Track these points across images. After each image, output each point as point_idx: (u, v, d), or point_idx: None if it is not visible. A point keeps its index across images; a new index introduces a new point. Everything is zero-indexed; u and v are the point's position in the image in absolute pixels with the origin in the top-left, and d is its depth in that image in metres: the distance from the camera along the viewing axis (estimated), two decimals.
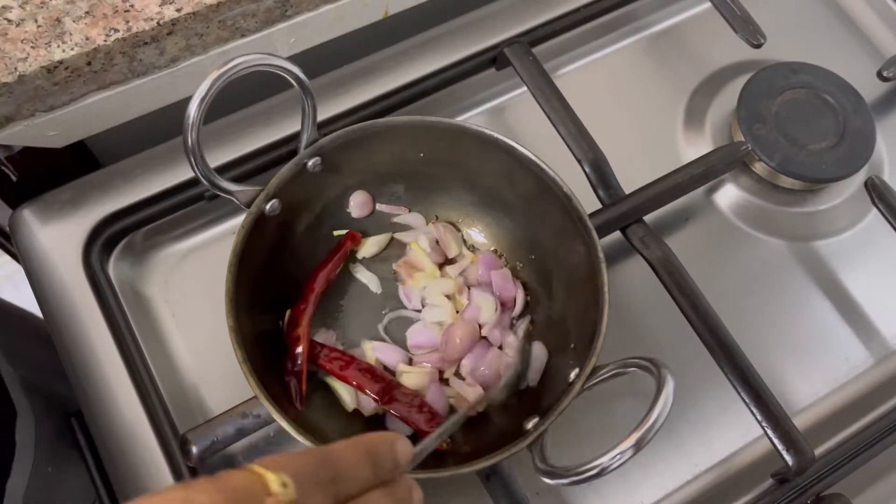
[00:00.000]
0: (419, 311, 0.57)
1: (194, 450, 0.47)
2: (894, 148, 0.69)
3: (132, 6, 0.52)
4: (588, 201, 0.55)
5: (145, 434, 0.51)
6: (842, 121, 0.65)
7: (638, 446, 0.40)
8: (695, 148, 0.67)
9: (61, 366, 0.54)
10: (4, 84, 0.50)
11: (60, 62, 0.51)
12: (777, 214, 0.65)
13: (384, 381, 0.52)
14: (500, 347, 0.55)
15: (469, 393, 0.54)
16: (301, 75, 0.48)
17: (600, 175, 0.59)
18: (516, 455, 0.45)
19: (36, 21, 0.51)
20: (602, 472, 0.41)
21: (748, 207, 0.65)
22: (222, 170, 0.57)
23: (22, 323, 0.73)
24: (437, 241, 0.59)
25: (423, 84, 0.64)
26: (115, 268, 0.58)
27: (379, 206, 0.60)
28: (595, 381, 0.47)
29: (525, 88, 0.63)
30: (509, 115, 0.68)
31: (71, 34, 0.51)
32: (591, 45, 0.71)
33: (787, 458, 0.51)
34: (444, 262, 0.59)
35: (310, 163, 0.54)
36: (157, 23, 0.52)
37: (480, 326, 0.56)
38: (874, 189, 0.62)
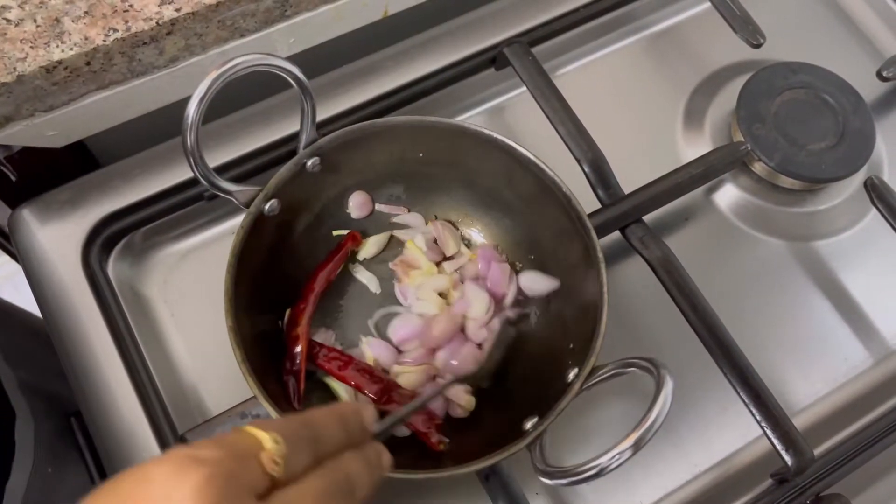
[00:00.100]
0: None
1: None
2: (894, 148, 0.69)
3: (131, 6, 0.52)
4: (587, 201, 0.55)
5: (144, 434, 0.51)
6: (841, 121, 0.65)
7: (637, 446, 0.40)
8: (694, 148, 0.67)
9: (60, 366, 0.54)
10: (3, 84, 0.50)
11: (59, 62, 0.51)
12: (776, 214, 0.65)
13: (382, 382, 0.52)
14: (480, 346, 0.55)
15: (461, 394, 0.54)
16: (300, 75, 0.48)
17: (600, 175, 0.59)
18: (515, 455, 0.45)
19: (35, 21, 0.51)
20: (601, 473, 0.41)
21: (748, 207, 0.65)
22: (221, 170, 0.57)
23: (21, 323, 0.73)
24: (436, 240, 0.59)
25: (422, 84, 0.64)
26: (114, 268, 0.58)
27: (378, 207, 0.60)
28: (594, 381, 0.47)
29: (524, 88, 0.63)
30: (509, 115, 0.67)
31: (70, 34, 0.51)
32: (591, 45, 0.71)
33: (787, 458, 0.51)
34: (443, 260, 0.59)
35: (309, 163, 0.54)
36: (157, 23, 0.52)
37: (467, 322, 0.56)
38: (874, 189, 0.62)
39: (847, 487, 0.53)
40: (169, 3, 0.53)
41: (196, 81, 0.45)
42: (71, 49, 0.51)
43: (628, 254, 0.59)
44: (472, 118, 0.67)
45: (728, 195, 0.66)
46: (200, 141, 0.46)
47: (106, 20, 0.52)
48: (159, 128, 0.58)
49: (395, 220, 0.60)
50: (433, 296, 0.57)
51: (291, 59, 0.50)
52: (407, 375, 0.54)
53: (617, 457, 0.40)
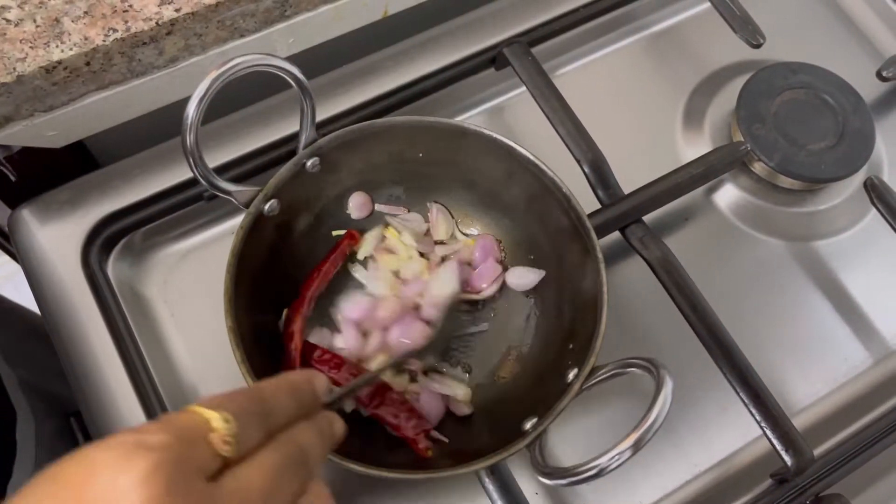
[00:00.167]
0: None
1: None
2: (893, 148, 0.69)
3: (131, 6, 0.52)
4: (587, 201, 0.55)
5: None
6: (841, 121, 0.65)
7: (636, 447, 0.40)
8: (694, 148, 0.67)
9: (60, 366, 0.54)
10: (3, 84, 0.50)
11: (59, 62, 0.51)
12: (776, 214, 0.65)
13: (374, 385, 0.52)
14: (429, 323, 0.55)
15: (457, 389, 0.54)
16: (300, 75, 0.48)
17: (599, 175, 0.59)
18: (515, 455, 0.46)
19: (34, 21, 0.51)
20: (601, 473, 0.41)
21: (747, 207, 0.65)
22: (221, 170, 0.57)
23: (21, 323, 0.73)
24: (427, 232, 0.59)
25: (422, 84, 0.64)
26: (113, 268, 0.58)
27: (378, 207, 0.60)
28: (594, 382, 0.47)
29: (524, 88, 0.63)
30: (508, 115, 0.67)
31: (69, 34, 0.51)
32: (591, 45, 0.71)
33: (786, 458, 0.51)
34: (436, 244, 0.59)
35: (308, 163, 0.54)
36: (156, 23, 0.52)
37: (420, 300, 0.56)
38: (873, 189, 0.62)
39: (847, 487, 0.53)
40: (168, 4, 0.53)
41: (196, 81, 0.45)
42: (70, 49, 0.51)
43: (628, 254, 0.59)
44: (471, 118, 0.67)
45: (728, 195, 0.66)
46: (200, 141, 0.46)
47: (105, 20, 0.52)
48: (159, 128, 0.58)
49: (394, 220, 0.60)
50: (387, 275, 0.57)
51: (291, 59, 0.50)
52: (377, 362, 0.54)
53: (617, 457, 0.40)
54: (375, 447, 0.51)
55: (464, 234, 0.60)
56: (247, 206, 0.51)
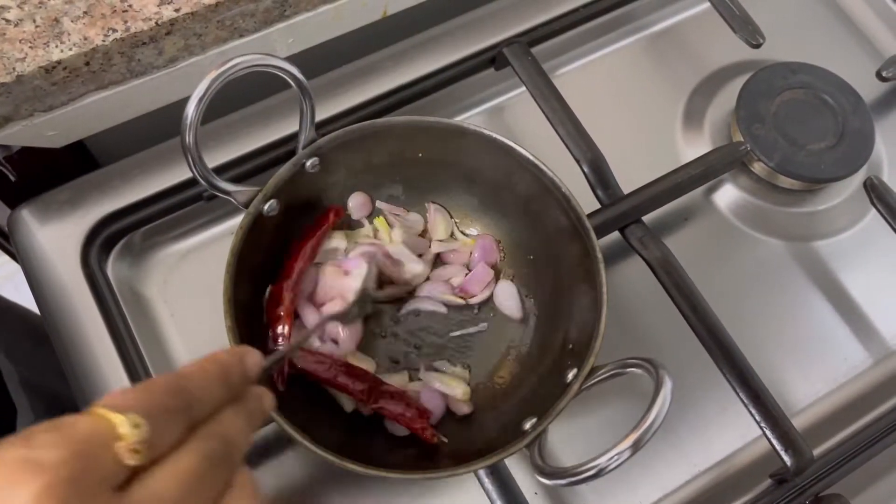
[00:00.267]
0: None
1: None
2: (893, 148, 0.69)
3: (130, 6, 0.52)
4: (587, 201, 0.55)
5: None
6: (841, 121, 0.65)
7: (636, 447, 0.40)
8: (694, 148, 0.67)
9: (60, 365, 0.54)
10: (3, 84, 0.50)
11: (59, 62, 0.51)
12: (776, 214, 0.65)
13: (367, 381, 0.51)
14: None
15: (457, 387, 0.54)
16: (299, 75, 0.48)
17: (599, 175, 0.59)
18: (515, 455, 0.45)
19: (34, 21, 0.51)
20: (600, 473, 0.41)
21: (747, 207, 0.65)
22: (220, 170, 0.57)
23: (22, 321, 0.73)
24: (423, 233, 0.59)
25: (421, 84, 0.64)
26: (113, 268, 0.58)
27: (378, 206, 0.60)
28: (593, 382, 0.47)
29: (524, 88, 0.63)
30: (508, 116, 0.67)
31: (69, 34, 0.51)
32: (590, 45, 0.71)
33: (786, 458, 0.51)
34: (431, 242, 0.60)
35: (308, 163, 0.54)
36: (156, 23, 0.52)
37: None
38: (873, 189, 0.62)
39: (847, 487, 0.53)
40: (168, 4, 0.53)
41: (195, 81, 0.45)
42: (70, 49, 0.51)
43: (628, 254, 0.59)
44: (471, 118, 0.67)
45: (727, 195, 0.66)
46: (199, 141, 0.46)
47: (105, 20, 0.52)
48: (159, 128, 0.58)
49: (391, 217, 0.60)
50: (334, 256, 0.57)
51: (290, 59, 0.50)
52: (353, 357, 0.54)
53: (616, 457, 0.40)
54: (375, 447, 0.51)
55: (463, 234, 0.60)
56: (246, 206, 0.51)
